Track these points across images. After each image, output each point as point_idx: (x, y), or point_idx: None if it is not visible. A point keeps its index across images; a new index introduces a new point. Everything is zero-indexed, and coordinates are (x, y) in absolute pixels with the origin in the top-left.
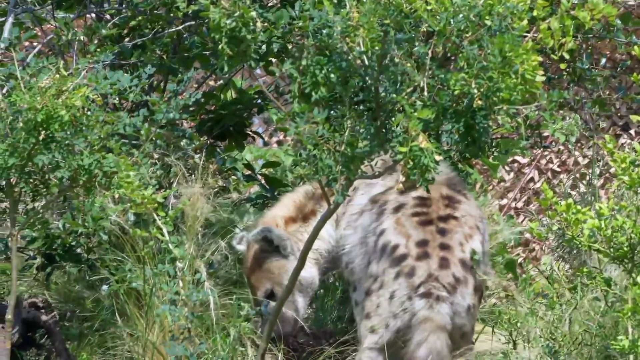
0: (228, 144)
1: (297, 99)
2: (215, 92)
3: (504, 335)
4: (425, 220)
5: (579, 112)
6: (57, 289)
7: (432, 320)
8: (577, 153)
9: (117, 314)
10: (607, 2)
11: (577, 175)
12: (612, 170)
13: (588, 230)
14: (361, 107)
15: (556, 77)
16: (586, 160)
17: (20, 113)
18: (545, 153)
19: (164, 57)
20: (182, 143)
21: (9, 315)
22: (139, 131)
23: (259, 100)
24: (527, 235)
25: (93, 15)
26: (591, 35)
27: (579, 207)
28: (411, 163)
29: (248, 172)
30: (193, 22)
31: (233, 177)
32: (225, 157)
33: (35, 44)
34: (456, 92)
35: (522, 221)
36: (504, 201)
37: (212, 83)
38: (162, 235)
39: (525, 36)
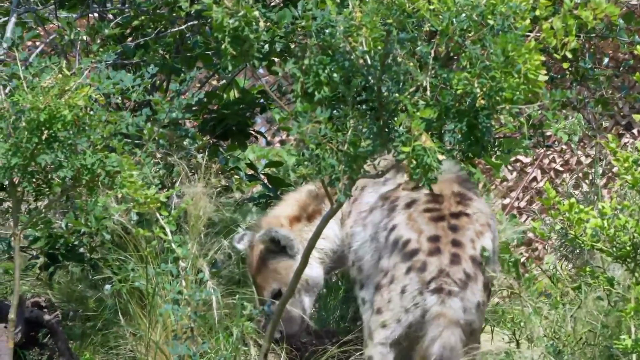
0: (231, 144)
1: (300, 98)
2: (218, 92)
3: (507, 335)
4: (437, 216)
5: (581, 112)
6: (60, 288)
7: (445, 316)
8: (579, 152)
9: (119, 314)
10: (610, 1)
11: (580, 174)
12: (614, 169)
13: (591, 229)
14: (364, 107)
15: (559, 76)
16: (589, 160)
17: (23, 113)
18: (548, 152)
19: (167, 56)
20: (184, 142)
21: (11, 315)
22: (142, 131)
23: (262, 100)
24: (530, 234)
25: (96, 15)
26: (594, 35)
27: (581, 206)
28: (414, 162)
29: (251, 172)
30: (196, 22)
31: (236, 176)
32: (228, 157)
33: (38, 43)
34: (459, 92)
35: (524, 220)
36: (507, 200)
37: (214, 83)
38: (165, 234)
39: (528, 36)
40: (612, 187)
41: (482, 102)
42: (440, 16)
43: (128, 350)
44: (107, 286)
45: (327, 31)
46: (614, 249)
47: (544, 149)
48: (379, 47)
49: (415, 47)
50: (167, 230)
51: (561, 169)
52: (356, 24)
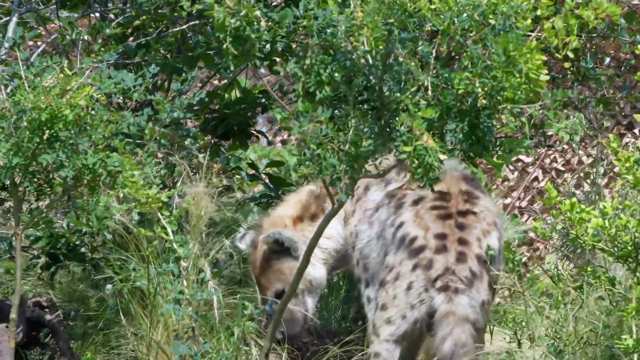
0: (232, 143)
1: (301, 98)
2: (220, 92)
3: (508, 335)
4: (445, 214)
5: (583, 111)
6: (62, 288)
7: (455, 313)
8: (581, 152)
9: (121, 313)
10: (611, 1)
11: (581, 174)
12: (616, 169)
13: (592, 229)
14: (365, 107)
15: (560, 76)
16: (590, 160)
17: (24, 112)
18: (550, 152)
19: (168, 56)
20: (186, 142)
21: (13, 315)
22: (143, 130)
23: (263, 100)
24: (532, 234)
25: (97, 14)
26: (595, 35)
27: (583, 206)
28: (415, 162)
29: (252, 172)
30: (197, 22)
31: (237, 176)
32: (230, 157)
33: (39, 43)
34: (460, 92)
35: (526, 220)
36: (508, 200)
37: (216, 82)
38: (166, 234)
39: (529, 35)
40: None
41: (484, 101)
42: (441, 16)
43: (129, 350)
44: (109, 286)
45: (328, 31)
46: (616, 249)
47: (546, 148)
48: (381, 47)
49: (416, 47)
50: (169, 230)
51: (562, 168)
52: (358, 24)
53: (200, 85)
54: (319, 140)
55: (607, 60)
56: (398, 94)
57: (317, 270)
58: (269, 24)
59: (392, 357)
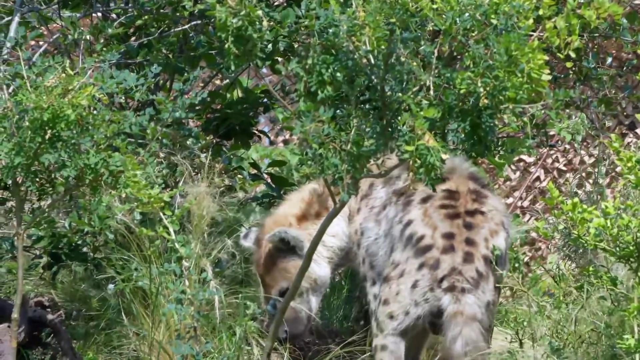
0: (234, 143)
1: (303, 97)
2: (222, 91)
3: (510, 334)
4: (453, 213)
5: (585, 111)
6: (63, 288)
7: (463, 313)
8: (583, 152)
9: (123, 313)
10: (613, 1)
11: (583, 174)
12: (618, 169)
13: (594, 229)
14: (367, 106)
15: (562, 76)
16: (592, 159)
17: (26, 112)
18: (552, 152)
19: (170, 56)
20: (188, 142)
21: (15, 314)
22: (145, 130)
23: (265, 100)
24: (533, 234)
25: (99, 14)
26: (597, 34)
27: (585, 206)
28: (418, 162)
29: (254, 171)
30: (199, 21)
31: (239, 176)
32: (232, 156)
33: (41, 43)
34: (462, 91)
35: (528, 220)
36: (510, 200)
37: (218, 82)
38: (168, 234)
39: (531, 35)
40: (616, 186)
41: (486, 101)
42: (443, 15)
43: (131, 349)
44: (111, 286)
45: (330, 30)
46: (617, 249)
47: (547, 148)
48: (382, 47)
49: (418, 47)
50: (171, 229)
51: (564, 168)
52: (359, 24)
53: (202, 85)
54: (321, 140)
55: (609, 60)
56: (400, 94)
57: (321, 269)
58: (271, 23)
59: (399, 349)
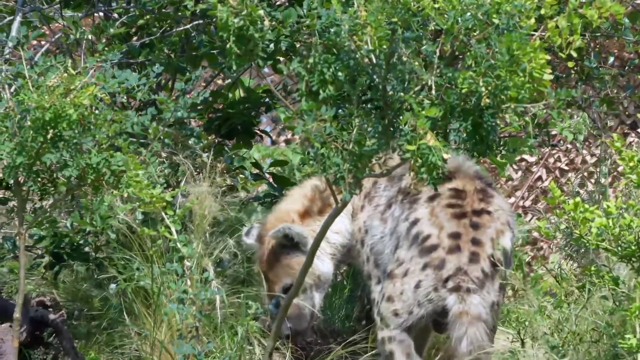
0: (236, 143)
1: (305, 97)
2: (223, 91)
3: (511, 334)
4: (460, 212)
5: (586, 111)
6: (65, 287)
7: (468, 313)
8: (585, 151)
9: (125, 313)
10: (615, 0)
11: (585, 173)
12: (620, 168)
13: (596, 229)
14: (369, 106)
15: (564, 75)
16: (594, 159)
17: (28, 112)
18: (553, 151)
19: (172, 56)
20: (190, 142)
21: (17, 314)
22: (147, 130)
23: (267, 99)
24: (535, 233)
25: (101, 14)
26: (599, 34)
27: (586, 205)
28: (419, 161)
29: (256, 171)
30: (201, 21)
31: (241, 175)
32: (233, 156)
33: (43, 42)
34: (464, 91)
35: (530, 220)
36: (512, 200)
37: (220, 82)
38: (170, 234)
39: (533, 34)
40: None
41: (487, 101)
42: (445, 15)
43: (133, 349)
44: (112, 285)
45: (332, 30)
46: (619, 248)
47: (549, 148)
48: (384, 46)
49: (420, 46)
50: (173, 229)
51: (566, 168)
52: (361, 23)
53: (204, 84)
54: (323, 139)
55: (611, 59)
56: (402, 93)
57: (325, 265)
58: (273, 23)
59: (407, 338)
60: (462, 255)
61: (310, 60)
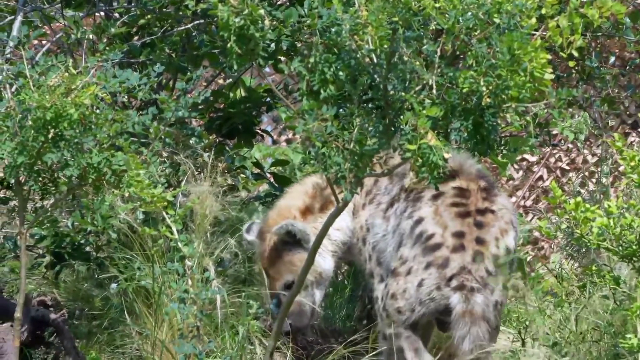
0: (237, 142)
1: (306, 96)
2: (224, 91)
3: (512, 334)
4: (464, 211)
5: (587, 110)
6: (66, 287)
7: (471, 313)
8: (586, 151)
9: (126, 313)
10: (616, 0)
11: (586, 173)
12: (621, 168)
13: (597, 228)
14: (370, 105)
15: (565, 75)
16: (595, 159)
17: (29, 111)
18: (554, 151)
19: (173, 55)
20: (191, 141)
21: (18, 314)
22: (148, 129)
23: (268, 99)
24: (536, 233)
25: (102, 13)
26: (600, 34)
27: (587, 205)
28: (420, 161)
29: (257, 171)
30: (202, 21)
31: (242, 175)
32: (234, 156)
33: (44, 42)
34: (465, 90)
35: (531, 219)
36: (513, 199)
37: (221, 81)
38: (171, 233)
39: (534, 34)
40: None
41: (488, 100)
42: (446, 14)
43: (134, 349)
44: (113, 285)
45: (333, 29)
46: (620, 248)
47: (550, 147)
48: (385, 46)
49: (421, 46)
50: (174, 229)
51: (567, 167)
52: (362, 23)
53: (205, 84)
54: (324, 139)
55: (612, 59)
56: (402, 93)
57: (326, 262)
58: (274, 22)
59: (414, 334)
60: (466, 254)
61: (311, 60)
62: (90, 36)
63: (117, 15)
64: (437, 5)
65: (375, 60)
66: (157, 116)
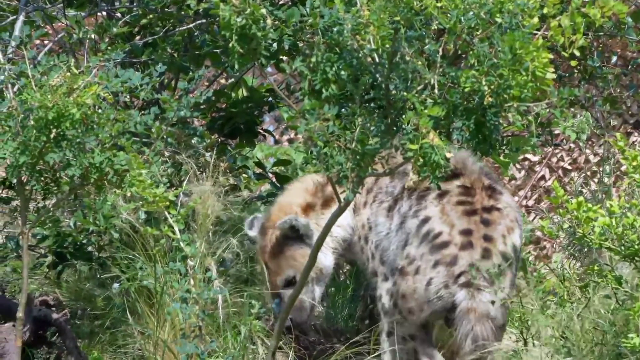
0: (239, 142)
1: (308, 96)
2: (226, 90)
3: (514, 334)
4: (470, 210)
5: (589, 110)
6: (68, 287)
7: (476, 311)
8: (588, 151)
9: (128, 312)
10: None
11: (588, 173)
12: (623, 168)
13: (599, 228)
14: (372, 105)
15: (567, 74)
16: (597, 158)
17: (31, 111)
18: (556, 151)
19: (175, 55)
20: (193, 141)
21: (20, 314)
22: (150, 129)
23: (270, 98)
24: (538, 233)
25: (104, 13)
26: (602, 33)
27: (590, 205)
28: (422, 160)
29: (259, 170)
30: (204, 20)
31: (244, 175)
32: (236, 155)
33: (46, 42)
34: (467, 90)
35: (533, 219)
36: (515, 199)
37: (223, 81)
38: (173, 233)
39: (536, 34)
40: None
41: (490, 99)
42: (448, 14)
43: (136, 348)
44: (116, 285)
45: (334, 29)
46: (622, 248)
47: (552, 147)
48: (387, 45)
49: (423, 45)
50: (176, 228)
51: (569, 167)
52: (364, 22)
53: (207, 83)
54: (326, 138)
55: (614, 58)
56: (404, 92)
57: (327, 259)
58: (275, 22)
59: (427, 338)
60: (475, 251)
61: (313, 59)
62: (92, 36)
63: (119, 14)
64: (439, 4)
65: (377, 59)
66: (159, 116)
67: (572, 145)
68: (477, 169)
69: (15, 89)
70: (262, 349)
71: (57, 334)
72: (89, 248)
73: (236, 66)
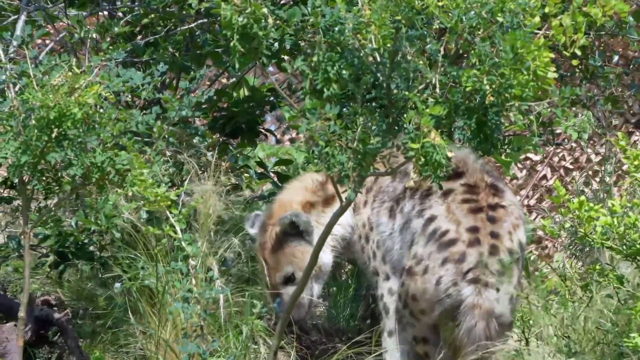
0: (240, 142)
1: (309, 95)
2: (228, 90)
3: (516, 333)
4: (476, 207)
5: (591, 109)
6: (70, 286)
7: (481, 307)
8: (589, 150)
9: (129, 312)
10: None
11: (590, 172)
12: (624, 167)
13: (601, 227)
14: (373, 104)
15: (568, 74)
16: (599, 158)
17: (32, 111)
18: (558, 150)
19: (177, 54)
20: (194, 141)
21: (21, 313)
22: (152, 129)
23: (272, 98)
24: (540, 232)
25: (105, 12)
26: (603, 32)
27: (591, 204)
28: (423, 159)
29: (260, 170)
30: (205, 20)
31: (245, 174)
32: (238, 155)
33: (47, 41)
34: (468, 89)
35: (534, 218)
36: (517, 198)
37: (224, 81)
38: (175, 232)
39: (537, 33)
40: (622, 184)
41: (492, 99)
42: (449, 13)
43: (138, 348)
44: (117, 284)
45: (336, 28)
46: (624, 247)
47: (554, 146)
48: (388, 45)
49: (424, 45)
50: (177, 228)
51: (571, 166)
52: (365, 21)
53: (208, 83)
54: (327, 138)
55: (616, 58)
56: (406, 92)
57: (326, 256)
58: (277, 22)
59: (437, 337)
60: (482, 248)
61: (315, 59)
62: (94, 35)
63: (120, 14)
64: (440, 4)
65: (378, 59)
66: (161, 115)
67: (574, 145)
68: (479, 167)
69: (16, 89)
70: (264, 348)
71: (58, 334)
72: (91, 248)
73: (237, 65)
